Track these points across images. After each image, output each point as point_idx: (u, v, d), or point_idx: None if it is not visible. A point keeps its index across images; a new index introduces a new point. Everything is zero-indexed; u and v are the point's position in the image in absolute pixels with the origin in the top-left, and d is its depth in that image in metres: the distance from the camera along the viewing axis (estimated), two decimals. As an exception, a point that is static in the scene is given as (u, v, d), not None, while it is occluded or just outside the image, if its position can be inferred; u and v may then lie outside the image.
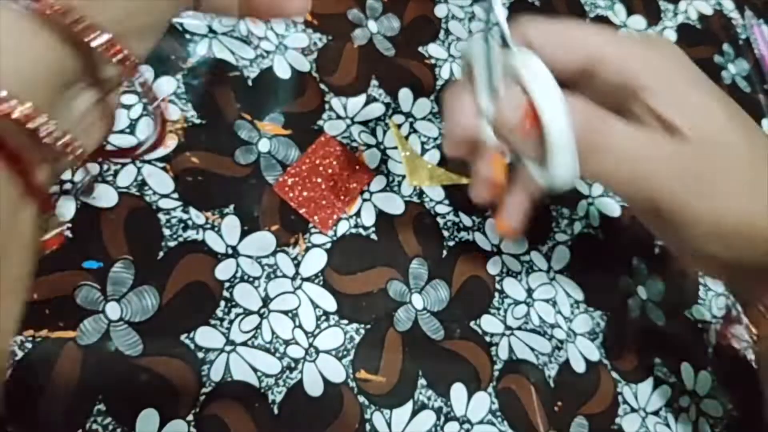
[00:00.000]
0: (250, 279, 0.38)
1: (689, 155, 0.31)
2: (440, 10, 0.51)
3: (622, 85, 0.33)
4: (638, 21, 0.59)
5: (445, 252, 0.43)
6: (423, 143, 0.46)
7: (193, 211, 0.38)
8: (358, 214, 0.42)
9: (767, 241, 0.32)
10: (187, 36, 0.43)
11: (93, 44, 0.23)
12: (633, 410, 0.44)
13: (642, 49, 0.33)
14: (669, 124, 0.31)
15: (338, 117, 0.44)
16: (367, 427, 0.38)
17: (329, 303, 0.39)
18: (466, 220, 0.45)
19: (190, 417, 0.34)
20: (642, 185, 0.32)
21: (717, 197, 0.32)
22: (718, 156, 0.31)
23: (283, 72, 0.44)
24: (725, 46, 0.62)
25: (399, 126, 0.45)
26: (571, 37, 0.34)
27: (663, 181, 0.31)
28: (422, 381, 0.40)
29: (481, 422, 0.40)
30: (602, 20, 0.58)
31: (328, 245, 0.41)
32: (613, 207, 0.50)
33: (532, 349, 0.43)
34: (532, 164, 0.32)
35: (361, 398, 0.38)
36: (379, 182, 0.43)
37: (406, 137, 0.45)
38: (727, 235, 0.32)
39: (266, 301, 0.38)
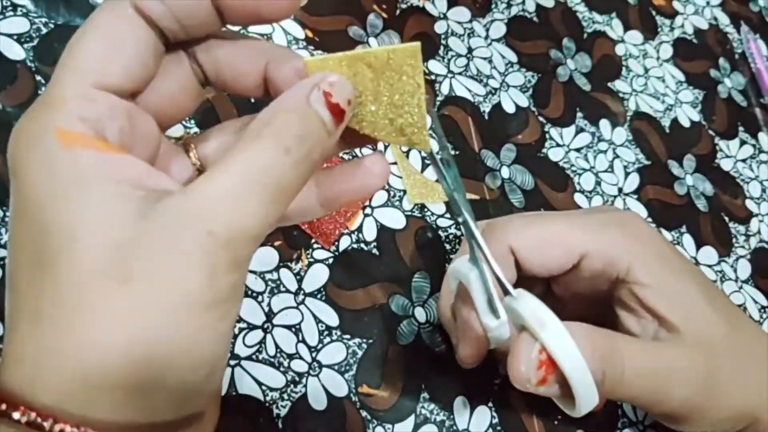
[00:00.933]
0: (254, 294, 0.38)
1: (690, 357, 0.34)
2: (440, 27, 0.52)
3: (607, 275, 0.35)
4: (635, 36, 0.60)
5: (446, 265, 0.44)
6: (423, 158, 0.46)
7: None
8: (359, 229, 0.42)
9: (758, 420, 0.36)
10: (191, 53, 0.43)
11: None
12: (632, 423, 0.45)
13: (623, 240, 0.36)
14: (663, 319, 0.34)
15: (340, 133, 0.45)
16: (370, 441, 0.38)
17: (332, 318, 0.40)
18: (467, 235, 0.45)
19: None
20: (655, 395, 0.33)
21: (718, 396, 0.34)
22: (712, 353, 0.34)
23: (285, 88, 0.45)
24: (721, 61, 0.63)
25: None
26: (553, 237, 0.36)
27: (673, 389, 0.33)
28: (425, 395, 0.40)
29: (483, 436, 0.40)
30: (600, 35, 0.58)
31: (331, 260, 0.41)
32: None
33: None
34: (556, 399, 0.32)
35: (364, 413, 0.38)
36: (380, 197, 0.44)
37: (407, 153, 0.46)
38: (728, 423, 0.36)
39: (270, 315, 0.38)
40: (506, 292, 0.30)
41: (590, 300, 0.38)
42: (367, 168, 0.26)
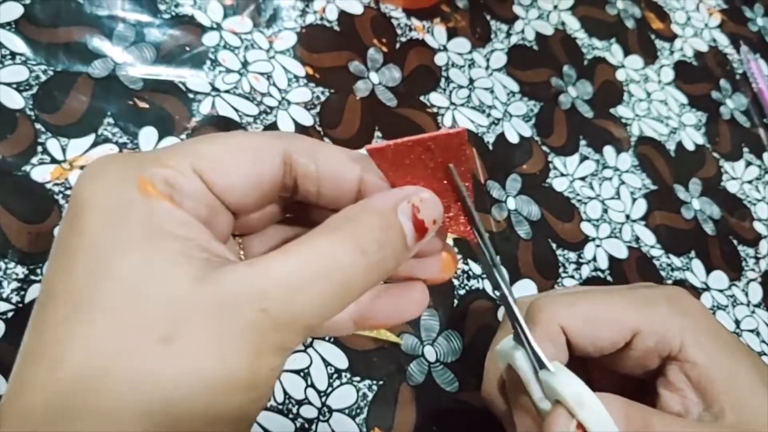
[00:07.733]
0: (261, 339, 0.38)
1: None
2: (440, 59, 0.52)
3: (659, 353, 0.33)
4: (635, 60, 0.60)
5: (456, 301, 0.43)
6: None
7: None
8: (366, 267, 0.42)
9: None
10: (190, 95, 0.43)
11: None
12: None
13: (675, 316, 0.34)
14: (712, 402, 0.32)
15: (343, 170, 0.44)
16: (384, 487, 0.37)
17: (341, 360, 0.39)
18: (476, 268, 0.45)
19: (204, 485, 0.34)
20: None
21: None
22: None
23: (286, 127, 0.44)
24: (722, 82, 0.62)
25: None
26: (604, 314, 0.34)
27: None
28: (438, 436, 0.39)
29: (498, 476, 0.39)
30: (600, 61, 0.58)
31: (338, 300, 0.40)
32: (620, 249, 0.50)
33: (547, 398, 0.43)
34: None
35: (377, 457, 0.37)
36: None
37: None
38: None
39: (277, 360, 0.38)
40: (542, 366, 0.30)
41: (625, 378, 0.36)
42: (410, 295, 0.27)
